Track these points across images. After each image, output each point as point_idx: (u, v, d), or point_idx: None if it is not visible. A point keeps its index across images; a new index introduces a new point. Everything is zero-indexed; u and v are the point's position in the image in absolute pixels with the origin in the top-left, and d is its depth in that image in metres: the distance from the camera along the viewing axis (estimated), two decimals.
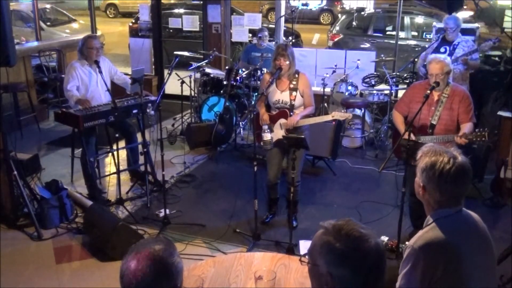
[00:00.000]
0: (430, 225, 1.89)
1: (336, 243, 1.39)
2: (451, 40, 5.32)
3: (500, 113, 5.30)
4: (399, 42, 7.64)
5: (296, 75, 4.07)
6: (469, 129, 3.57)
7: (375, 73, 6.50)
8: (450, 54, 5.16)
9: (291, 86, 4.05)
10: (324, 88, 6.15)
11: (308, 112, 4.10)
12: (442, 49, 5.34)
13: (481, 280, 1.84)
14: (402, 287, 1.86)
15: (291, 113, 4.06)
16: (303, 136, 3.78)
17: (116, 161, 4.61)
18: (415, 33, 9.65)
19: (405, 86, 6.26)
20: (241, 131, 6.58)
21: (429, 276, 1.78)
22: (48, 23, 12.01)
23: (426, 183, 1.91)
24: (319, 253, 1.42)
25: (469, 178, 1.91)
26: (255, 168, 3.83)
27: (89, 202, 4.42)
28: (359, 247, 1.38)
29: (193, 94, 6.76)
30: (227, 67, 6.45)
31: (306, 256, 1.51)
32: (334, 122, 5.26)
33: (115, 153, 4.64)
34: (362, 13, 10.36)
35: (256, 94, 6.00)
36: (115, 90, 4.97)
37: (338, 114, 3.97)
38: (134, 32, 9.67)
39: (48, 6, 12.65)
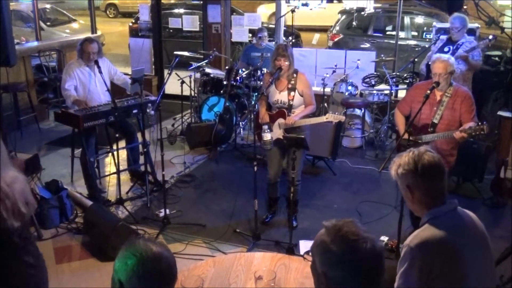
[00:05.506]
0: (426, 224, 1.90)
1: (331, 244, 1.41)
2: (456, 40, 5.28)
3: (500, 113, 5.29)
4: (399, 42, 7.63)
5: (295, 75, 4.07)
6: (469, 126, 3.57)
7: (375, 73, 6.50)
8: (453, 54, 5.15)
9: (289, 86, 4.05)
10: (324, 88, 6.16)
11: (308, 111, 4.10)
12: (446, 49, 5.31)
13: (478, 277, 1.85)
14: (400, 287, 1.86)
15: (289, 113, 4.06)
16: (303, 136, 3.79)
17: (116, 161, 4.61)
18: (415, 33, 9.64)
19: (405, 86, 6.25)
20: (241, 131, 6.58)
21: (426, 274, 1.78)
22: (48, 23, 12.00)
23: (410, 185, 1.92)
24: (316, 252, 1.46)
25: (444, 171, 1.92)
26: (255, 168, 3.84)
27: (89, 202, 4.42)
28: (353, 250, 1.40)
29: (193, 94, 6.75)
30: (227, 67, 6.45)
31: (310, 253, 1.54)
32: (333, 122, 5.26)
33: (115, 153, 4.65)
34: (362, 13, 10.33)
35: (256, 94, 6.00)
36: (115, 90, 4.96)
37: (332, 116, 3.97)
38: (134, 32, 9.66)
39: (48, 6, 12.64)
